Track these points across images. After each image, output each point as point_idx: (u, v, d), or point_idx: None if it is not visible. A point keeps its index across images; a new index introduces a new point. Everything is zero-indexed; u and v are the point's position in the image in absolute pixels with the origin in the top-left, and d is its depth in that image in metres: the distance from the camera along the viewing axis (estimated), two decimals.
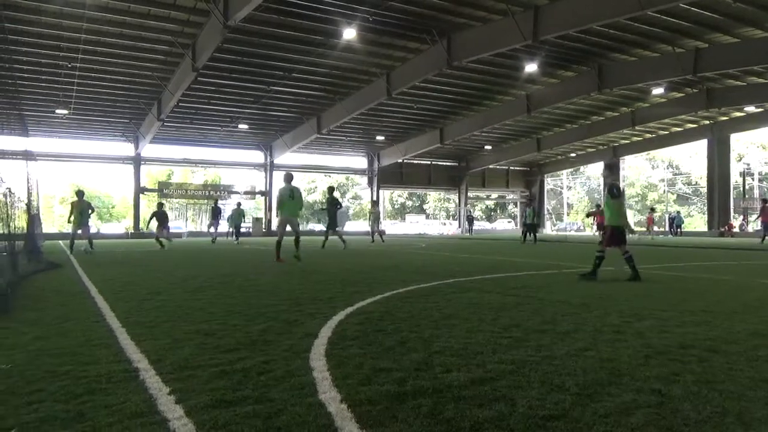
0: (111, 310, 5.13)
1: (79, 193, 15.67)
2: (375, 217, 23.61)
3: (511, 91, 29.25)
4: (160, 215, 18.76)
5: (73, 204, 15.38)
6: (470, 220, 43.10)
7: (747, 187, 49.17)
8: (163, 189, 40.66)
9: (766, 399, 2.57)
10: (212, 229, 24.29)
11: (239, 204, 26.46)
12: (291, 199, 11.01)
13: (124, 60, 22.68)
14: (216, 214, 24.47)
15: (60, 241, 25.51)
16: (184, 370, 3.06)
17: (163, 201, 23.50)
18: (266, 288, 6.91)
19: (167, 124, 31.11)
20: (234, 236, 24.51)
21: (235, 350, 3.53)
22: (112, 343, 3.77)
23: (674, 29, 21.03)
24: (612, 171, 8.90)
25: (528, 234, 23.06)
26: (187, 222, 47.54)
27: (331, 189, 18.63)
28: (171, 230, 21.03)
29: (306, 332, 4.07)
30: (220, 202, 28.58)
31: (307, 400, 2.54)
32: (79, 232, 15.09)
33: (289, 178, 11.35)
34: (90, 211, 15.52)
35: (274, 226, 26.42)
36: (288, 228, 11.28)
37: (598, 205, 26.46)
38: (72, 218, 15.16)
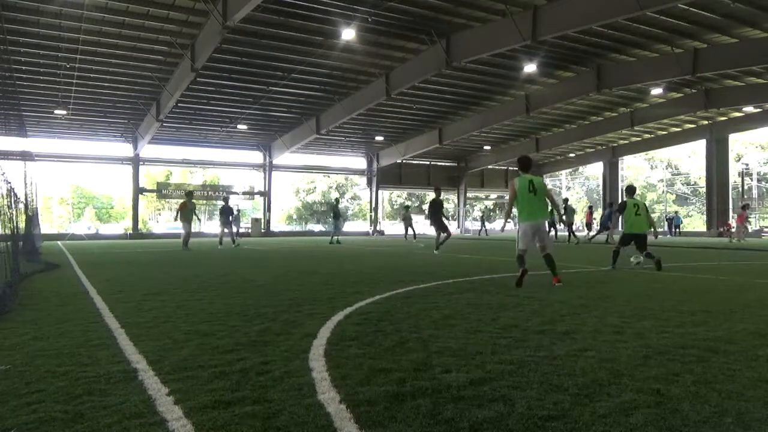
0: (110, 311, 5.12)
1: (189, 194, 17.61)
2: (408, 221, 26.29)
3: (509, 91, 29.24)
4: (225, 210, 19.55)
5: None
6: (483, 220, 40.84)
7: (746, 187, 49.23)
8: (162, 189, 40.61)
9: (765, 399, 2.57)
10: (226, 230, 20.77)
11: (337, 200, 25.42)
12: (532, 194, 7.22)
13: (123, 60, 22.64)
14: (227, 214, 20.53)
15: (58, 242, 25.52)
16: (183, 370, 3.06)
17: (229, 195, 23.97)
18: (265, 288, 6.90)
19: (166, 125, 31.07)
20: (332, 237, 23.52)
21: (234, 351, 3.53)
22: (111, 344, 3.77)
23: (673, 29, 21.04)
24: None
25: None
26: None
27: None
28: (170, 231, 20.53)
29: (305, 333, 4.07)
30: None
31: (306, 401, 2.54)
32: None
33: (526, 165, 7.55)
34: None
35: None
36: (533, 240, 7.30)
37: (590, 206, 27.62)
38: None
